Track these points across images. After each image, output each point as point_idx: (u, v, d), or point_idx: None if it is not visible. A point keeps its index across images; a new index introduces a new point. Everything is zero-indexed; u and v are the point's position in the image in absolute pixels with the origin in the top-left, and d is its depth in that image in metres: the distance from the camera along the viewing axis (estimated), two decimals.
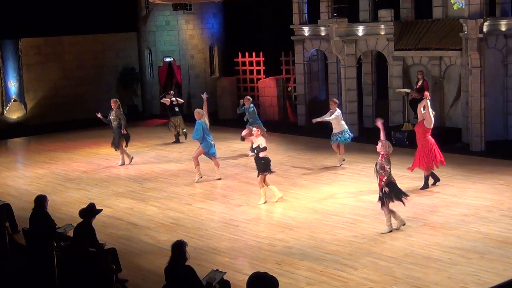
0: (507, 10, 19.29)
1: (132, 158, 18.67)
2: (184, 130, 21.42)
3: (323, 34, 22.86)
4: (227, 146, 20.94)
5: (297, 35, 23.81)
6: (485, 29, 18.45)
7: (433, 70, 20.53)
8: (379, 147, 11.98)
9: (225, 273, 8.77)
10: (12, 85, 26.03)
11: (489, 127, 18.92)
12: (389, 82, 21.47)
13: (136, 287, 10.10)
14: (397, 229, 11.99)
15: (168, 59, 28.08)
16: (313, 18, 23.60)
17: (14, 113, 26.07)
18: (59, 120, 26.06)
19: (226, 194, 15.30)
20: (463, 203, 13.67)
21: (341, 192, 14.95)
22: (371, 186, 14.98)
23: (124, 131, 18.24)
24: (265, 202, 14.16)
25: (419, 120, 15.01)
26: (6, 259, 11.12)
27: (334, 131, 17.27)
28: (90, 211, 10.32)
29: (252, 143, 14.72)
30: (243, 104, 19.20)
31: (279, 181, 16.19)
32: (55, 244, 9.72)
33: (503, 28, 18.92)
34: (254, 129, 14.49)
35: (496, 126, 19.31)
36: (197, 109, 16.66)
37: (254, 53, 26.45)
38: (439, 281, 9.74)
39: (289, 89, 25.90)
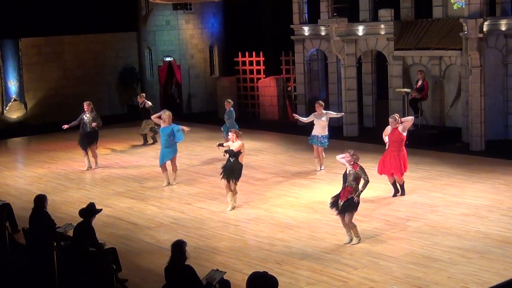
0: (507, 9, 19.29)
1: (96, 164, 18.43)
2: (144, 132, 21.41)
3: (323, 33, 22.86)
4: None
5: (297, 35, 23.81)
6: (485, 28, 18.45)
7: (433, 69, 20.53)
8: (348, 158, 11.32)
9: (225, 272, 8.78)
10: (12, 85, 26.01)
11: (489, 126, 18.92)
12: (389, 81, 21.46)
13: (136, 286, 10.10)
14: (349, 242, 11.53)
15: (168, 59, 28.08)
16: (313, 18, 23.59)
17: (14, 113, 26.06)
18: (59, 119, 25.98)
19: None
20: (463, 202, 13.67)
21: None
22: (371, 186, 14.95)
23: (94, 126, 17.96)
24: (233, 208, 13.83)
25: (393, 128, 14.18)
26: (6, 259, 11.12)
27: (316, 133, 16.76)
28: (90, 211, 10.33)
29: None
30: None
31: (279, 181, 16.21)
32: (55, 244, 9.72)
33: (503, 28, 18.92)
34: (230, 134, 13.99)
35: (496, 126, 19.31)
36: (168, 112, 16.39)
37: (254, 53, 26.45)
38: (439, 281, 9.75)
39: (289, 88, 25.90)
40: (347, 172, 11.38)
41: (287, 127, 23.74)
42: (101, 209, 10.74)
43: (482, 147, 18.58)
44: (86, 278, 9.13)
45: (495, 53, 19.18)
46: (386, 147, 14.42)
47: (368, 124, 22.48)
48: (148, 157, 19.72)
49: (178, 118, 26.97)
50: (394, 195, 14.23)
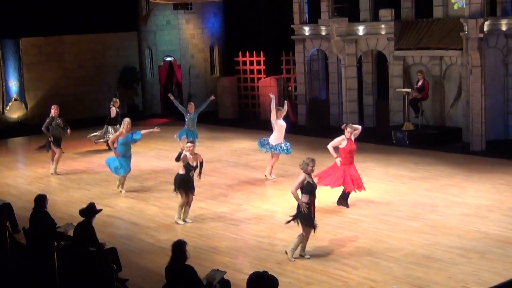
0: (508, 9, 19.28)
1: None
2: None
3: (323, 33, 22.86)
4: (228, 145, 20.95)
5: (298, 35, 23.81)
6: (485, 28, 18.44)
7: (433, 69, 20.53)
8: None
9: (226, 272, 8.77)
10: (13, 85, 26.03)
11: (490, 126, 18.92)
12: (389, 81, 21.47)
13: (136, 286, 10.09)
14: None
15: (168, 59, 28.09)
16: (313, 18, 23.60)
17: (14, 113, 26.07)
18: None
19: (226, 193, 15.29)
20: (464, 202, 13.67)
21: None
22: (372, 186, 14.99)
23: (51, 138, 17.91)
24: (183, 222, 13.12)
25: (349, 139, 13.49)
26: (6, 259, 11.11)
27: (277, 141, 16.60)
28: (90, 211, 10.32)
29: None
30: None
31: (279, 181, 16.20)
32: (55, 244, 9.72)
33: (503, 28, 18.91)
34: (189, 144, 13.05)
35: (496, 126, 19.31)
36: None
37: (254, 53, 26.45)
38: (440, 281, 9.74)
39: (289, 88, 25.90)
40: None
41: (287, 127, 23.67)
42: (101, 209, 10.74)
43: (482, 147, 18.58)
44: (86, 278, 9.12)
45: (495, 53, 19.18)
46: (339, 160, 13.46)
47: (368, 124, 22.47)
48: (148, 157, 19.73)
49: (179, 118, 27.07)
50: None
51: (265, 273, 6.55)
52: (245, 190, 15.36)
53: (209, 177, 16.76)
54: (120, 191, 15.73)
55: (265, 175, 16.43)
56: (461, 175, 15.88)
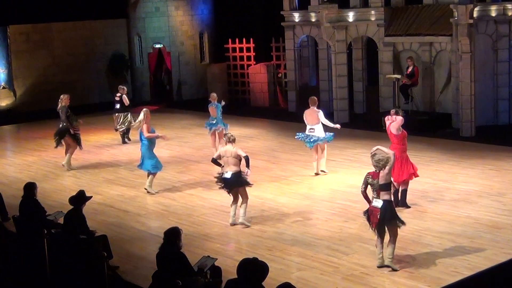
0: None
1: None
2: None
3: (313, 20, 22.80)
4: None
5: (288, 21, 23.73)
6: (475, 14, 18.44)
7: (423, 55, 20.53)
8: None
9: (217, 259, 8.80)
10: (1, 72, 25.87)
11: (479, 112, 18.97)
12: (379, 68, 21.46)
13: (127, 273, 10.09)
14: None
15: (158, 46, 27.95)
16: (303, 4, 23.52)
17: (3, 101, 25.92)
18: (49, 107, 25.77)
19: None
20: (454, 188, 13.72)
21: (332, 178, 14.95)
22: (362, 172, 14.95)
23: (73, 130, 17.01)
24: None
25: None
26: None
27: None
28: (80, 198, 10.30)
29: None
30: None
31: (270, 167, 16.20)
32: (45, 232, 9.69)
33: (493, 14, 18.92)
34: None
35: (486, 111, 19.37)
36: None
37: (244, 39, 26.36)
38: (430, 266, 9.79)
39: (279, 75, 25.86)
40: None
41: (277, 114, 23.72)
42: (91, 197, 10.71)
43: (472, 132, 18.63)
44: (77, 266, 9.11)
45: (485, 39, 19.20)
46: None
47: (358, 110, 22.50)
48: (139, 145, 19.63)
49: (169, 105, 27.04)
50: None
51: (255, 259, 6.56)
52: None
53: (200, 164, 16.75)
54: (155, 192, 14.42)
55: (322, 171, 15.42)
56: (451, 161, 15.92)
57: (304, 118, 15.35)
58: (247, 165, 11.74)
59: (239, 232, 11.76)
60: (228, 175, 11.78)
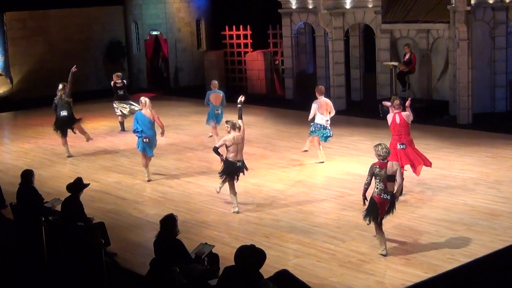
0: None
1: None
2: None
3: (310, 7, 22.74)
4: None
5: (285, 8, 23.66)
6: (472, 1, 18.41)
7: (420, 43, 20.51)
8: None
9: (214, 246, 8.81)
10: None
11: (477, 99, 18.97)
12: (376, 55, 21.43)
13: (124, 260, 10.11)
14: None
15: (154, 33, 27.88)
16: None
17: None
18: (46, 94, 25.75)
19: (214, 167, 15.26)
20: (450, 175, 13.74)
21: (329, 165, 14.97)
22: (359, 159, 15.04)
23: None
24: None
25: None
26: None
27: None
28: (77, 186, 10.30)
29: None
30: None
31: (267, 155, 16.20)
32: (43, 219, 9.71)
33: (490, 1, 18.88)
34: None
35: (483, 99, 19.37)
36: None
37: (241, 26, 26.29)
38: (426, 253, 9.81)
39: (276, 62, 25.82)
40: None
41: (274, 101, 23.71)
42: (88, 184, 10.71)
43: (469, 120, 18.64)
44: (74, 253, 9.12)
45: (482, 26, 19.17)
46: None
47: (355, 97, 22.48)
48: None
49: (166, 92, 27.00)
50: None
51: (252, 246, 6.58)
52: None
53: (197, 152, 16.75)
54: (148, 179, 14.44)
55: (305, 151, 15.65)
56: (448, 148, 15.94)
57: (317, 109, 14.96)
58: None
59: (236, 219, 11.78)
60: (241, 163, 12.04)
